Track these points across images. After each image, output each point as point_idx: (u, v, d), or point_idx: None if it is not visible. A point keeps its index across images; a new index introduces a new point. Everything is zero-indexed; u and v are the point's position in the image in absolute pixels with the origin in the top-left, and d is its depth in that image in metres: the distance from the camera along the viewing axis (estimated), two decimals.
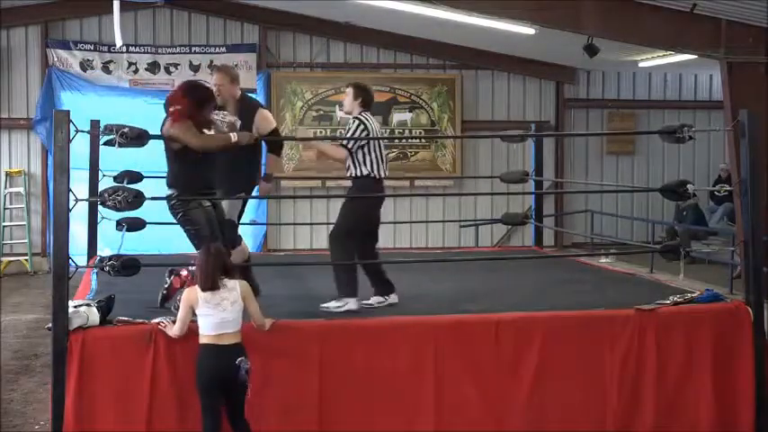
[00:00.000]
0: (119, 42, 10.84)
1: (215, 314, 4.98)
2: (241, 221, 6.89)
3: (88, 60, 14.14)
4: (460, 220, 14.79)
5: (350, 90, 6.48)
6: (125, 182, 6.80)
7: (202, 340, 5.00)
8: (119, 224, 7.34)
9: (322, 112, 14.93)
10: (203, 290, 5.00)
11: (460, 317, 5.78)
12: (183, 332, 5.11)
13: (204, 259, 5.07)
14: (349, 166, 6.37)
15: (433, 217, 14.89)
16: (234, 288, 5.06)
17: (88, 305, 5.23)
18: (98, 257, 7.61)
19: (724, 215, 15.02)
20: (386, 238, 14.95)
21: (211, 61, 14.40)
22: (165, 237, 12.26)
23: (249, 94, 6.67)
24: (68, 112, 5.15)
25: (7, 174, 14.14)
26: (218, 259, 5.09)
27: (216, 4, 14.51)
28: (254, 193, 6.98)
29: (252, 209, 14.28)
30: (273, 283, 7.09)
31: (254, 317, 5.18)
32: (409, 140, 15.18)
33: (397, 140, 15.09)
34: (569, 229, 15.36)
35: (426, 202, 15.07)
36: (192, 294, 5.05)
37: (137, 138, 5.38)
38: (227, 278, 5.08)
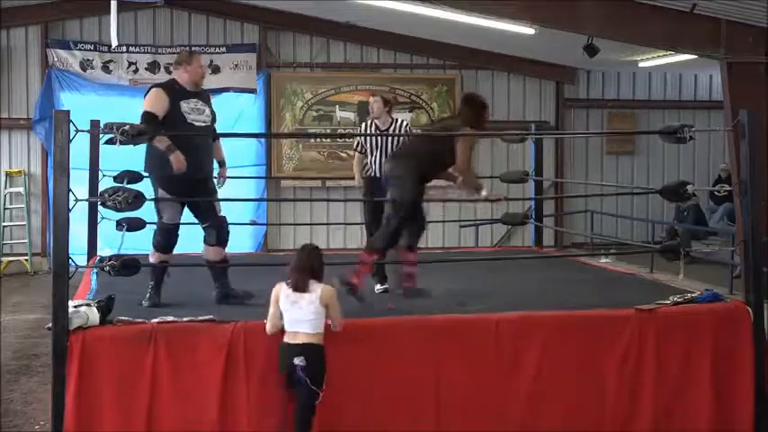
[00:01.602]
0: (114, 42, 10.84)
1: (291, 311, 5.13)
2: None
3: (88, 60, 14.15)
4: (460, 220, 14.79)
5: (379, 98, 7.26)
6: (125, 182, 6.80)
7: (285, 335, 5.16)
8: (119, 224, 7.34)
9: (322, 112, 14.93)
10: (289, 286, 5.16)
11: (460, 317, 5.78)
12: (274, 329, 5.21)
13: (296, 257, 5.26)
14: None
15: (433, 217, 14.86)
16: (315, 290, 5.16)
17: (88, 305, 5.23)
18: (98, 257, 7.63)
19: (724, 215, 15.02)
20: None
21: (211, 61, 14.41)
22: None
23: None
24: (68, 112, 5.15)
25: (7, 174, 14.15)
26: (308, 260, 5.25)
27: (216, 4, 14.51)
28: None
29: (252, 209, 14.29)
30: (273, 283, 7.09)
31: (333, 320, 5.24)
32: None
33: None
34: (569, 229, 15.36)
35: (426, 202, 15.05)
36: (278, 289, 5.22)
37: (137, 135, 5.37)
38: (314, 280, 5.18)
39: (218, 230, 6.45)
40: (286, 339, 5.14)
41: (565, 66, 15.60)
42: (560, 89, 15.91)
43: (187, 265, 6.94)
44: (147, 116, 6.05)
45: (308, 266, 5.22)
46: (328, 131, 14.78)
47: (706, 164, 16.16)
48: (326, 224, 14.57)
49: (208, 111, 6.40)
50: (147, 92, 6.26)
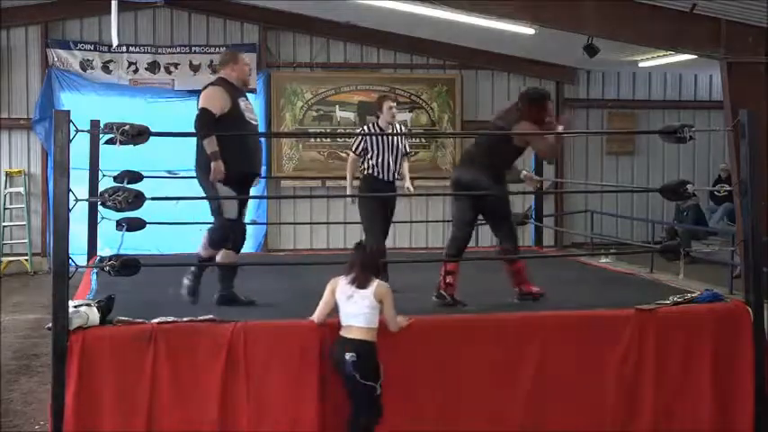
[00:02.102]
0: (115, 42, 10.84)
1: (346, 305, 5.21)
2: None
3: (88, 60, 14.15)
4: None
5: (395, 104, 7.53)
6: (125, 182, 6.80)
7: (341, 329, 5.23)
8: (119, 224, 7.34)
9: (322, 112, 14.93)
10: (348, 282, 5.23)
11: (461, 317, 5.78)
12: (321, 319, 5.30)
13: (354, 253, 5.36)
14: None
15: (433, 217, 14.88)
16: (371, 286, 5.21)
17: (88, 305, 5.23)
18: (98, 257, 7.63)
19: (724, 215, 15.02)
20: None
21: (211, 61, 14.41)
22: (164, 237, 12.38)
23: None
24: (68, 112, 5.14)
25: (7, 174, 14.15)
26: (367, 256, 5.34)
27: (216, 4, 14.52)
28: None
29: (252, 209, 14.30)
30: (273, 283, 7.10)
31: (387, 318, 5.27)
32: (409, 140, 15.15)
33: None
34: (569, 229, 15.36)
35: (426, 202, 15.06)
36: (334, 283, 5.29)
37: (138, 135, 5.37)
38: (371, 277, 5.24)
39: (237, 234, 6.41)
40: (341, 333, 5.22)
41: (565, 66, 15.60)
42: (560, 89, 15.91)
43: (187, 264, 6.93)
44: (205, 114, 6.08)
45: (366, 262, 5.30)
46: (328, 131, 14.78)
47: (706, 164, 16.17)
48: (326, 224, 14.57)
49: (252, 108, 6.47)
50: (203, 90, 6.28)
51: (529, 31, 11.69)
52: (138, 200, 5.37)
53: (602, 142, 16.14)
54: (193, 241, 13.10)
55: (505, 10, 9.50)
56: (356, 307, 5.18)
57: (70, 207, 5.05)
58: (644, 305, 5.86)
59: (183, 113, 14.14)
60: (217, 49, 14.50)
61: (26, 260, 13.86)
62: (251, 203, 14.10)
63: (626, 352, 5.67)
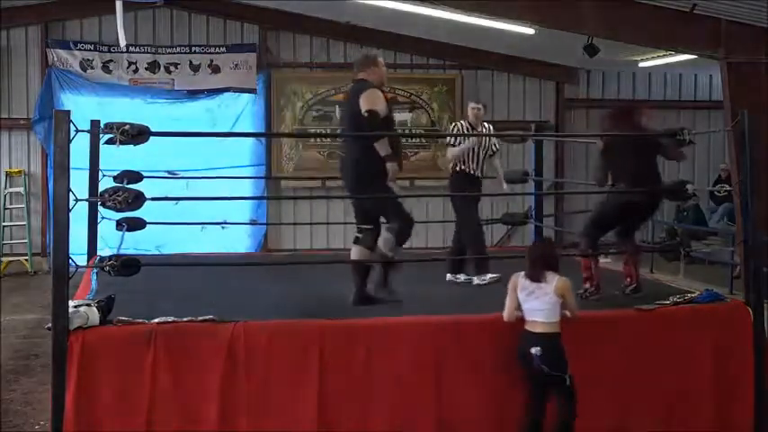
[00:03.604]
0: (122, 42, 10.83)
1: (528, 301, 5.33)
2: None
3: (88, 60, 14.15)
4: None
5: (481, 107, 7.69)
6: (125, 182, 6.80)
7: (525, 324, 5.34)
8: (119, 224, 7.34)
9: (322, 112, 14.92)
10: (525, 277, 5.36)
11: (460, 317, 5.78)
12: (511, 317, 5.42)
13: (532, 250, 5.58)
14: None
15: (433, 217, 14.87)
16: (551, 281, 5.32)
17: (88, 305, 5.23)
18: (98, 257, 7.63)
19: (724, 215, 15.02)
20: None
21: (211, 61, 14.43)
22: (165, 237, 12.39)
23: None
24: (68, 112, 5.14)
25: (7, 174, 14.14)
26: (543, 252, 5.50)
27: (216, 4, 14.51)
28: None
29: (252, 209, 14.31)
30: (273, 283, 7.10)
31: (570, 310, 5.41)
32: (409, 140, 15.18)
33: None
34: (569, 229, 15.35)
35: (426, 202, 15.06)
36: (515, 280, 5.42)
37: (138, 135, 5.37)
38: (550, 271, 5.34)
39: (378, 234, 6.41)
40: (526, 328, 5.33)
41: (565, 66, 15.59)
42: (560, 89, 15.91)
43: (187, 264, 6.94)
44: (376, 116, 6.09)
45: (544, 258, 5.43)
46: (328, 131, 14.78)
47: (706, 164, 16.14)
48: (326, 224, 14.57)
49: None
50: (363, 90, 6.28)
51: (529, 31, 11.69)
52: (138, 200, 5.37)
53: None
54: (193, 241, 13.16)
55: (506, 10, 9.50)
56: (538, 302, 5.31)
57: (70, 207, 5.05)
58: (644, 305, 5.87)
59: (183, 113, 14.22)
60: (217, 48, 14.53)
61: (26, 260, 13.85)
62: (250, 203, 14.16)
63: (626, 352, 5.67)
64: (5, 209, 13.99)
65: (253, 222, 14.09)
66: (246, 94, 14.57)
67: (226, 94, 14.45)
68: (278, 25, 14.79)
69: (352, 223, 14.94)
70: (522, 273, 5.43)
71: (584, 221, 6.82)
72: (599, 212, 6.67)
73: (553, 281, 5.34)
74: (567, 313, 5.40)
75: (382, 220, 6.35)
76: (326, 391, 5.34)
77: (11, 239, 14.03)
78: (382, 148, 6.09)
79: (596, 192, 8.00)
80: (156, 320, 5.28)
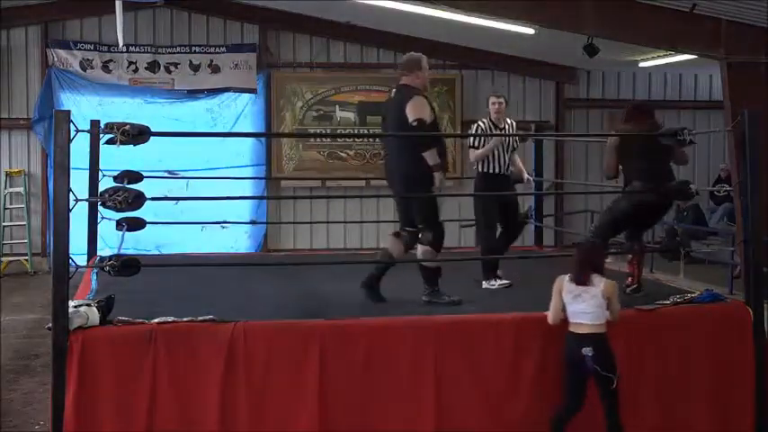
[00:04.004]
0: (121, 42, 10.85)
1: (573, 304, 5.35)
2: None
3: (88, 60, 14.15)
4: (460, 220, 14.78)
5: (503, 99, 7.61)
6: (125, 182, 6.80)
7: (569, 327, 5.38)
8: (119, 224, 7.34)
9: (322, 112, 14.92)
10: (571, 280, 5.37)
11: (460, 317, 5.78)
12: (556, 320, 5.43)
13: (578, 252, 5.59)
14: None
15: None
16: (598, 284, 5.35)
17: (88, 305, 5.23)
18: (98, 257, 7.63)
19: (724, 215, 15.01)
20: (386, 238, 14.92)
21: (211, 61, 14.44)
22: (165, 237, 12.40)
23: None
24: (68, 112, 5.13)
25: (7, 174, 14.15)
26: (590, 255, 5.52)
27: (216, 4, 14.52)
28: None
29: (252, 209, 14.31)
30: (273, 283, 7.10)
31: (612, 312, 5.41)
32: None
33: None
34: (569, 229, 15.35)
35: None
36: (560, 283, 5.44)
37: (138, 135, 5.36)
38: (596, 274, 5.37)
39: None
40: (571, 330, 5.36)
41: (565, 66, 15.59)
42: (560, 89, 15.91)
43: (187, 264, 6.94)
44: (423, 124, 6.17)
45: (590, 261, 5.46)
46: (328, 131, 14.78)
47: (706, 164, 16.14)
48: (326, 223, 14.57)
49: None
50: (408, 98, 6.27)
51: (529, 31, 11.69)
52: (138, 200, 5.37)
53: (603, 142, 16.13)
54: (193, 241, 13.16)
55: (506, 10, 9.50)
56: (585, 305, 5.32)
57: (70, 207, 5.05)
58: (644, 305, 5.86)
59: (183, 113, 14.23)
60: (217, 48, 14.52)
61: (26, 260, 13.86)
62: (250, 203, 14.17)
63: (626, 352, 5.66)
64: (5, 209, 13.99)
65: (253, 222, 14.10)
66: (246, 94, 14.57)
67: (226, 94, 14.46)
68: (278, 25, 14.79)
69: (351, 222, 14.93)
70: (567, 276, 5.45)
71: (597, 222, 6.79)
72: (613, 214, 6.63)
73: (600, 283, 5.37)
74: (609, 315, 5.40)
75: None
76: (326, 391, 5.34)
77: (11, 239, 14.03)
78: (431, 157, 6.19)
79: (596, 192, 8.02)
80: (156, 320, 5.27)
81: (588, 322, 5.31)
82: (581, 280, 5.37)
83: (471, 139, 7.55)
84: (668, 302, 5.96)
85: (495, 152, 7.41)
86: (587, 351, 5.24)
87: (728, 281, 11.21)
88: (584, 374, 5.31)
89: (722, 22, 8.95)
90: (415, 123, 6.13)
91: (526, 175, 8.07)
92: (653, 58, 13.91)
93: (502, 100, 7.56)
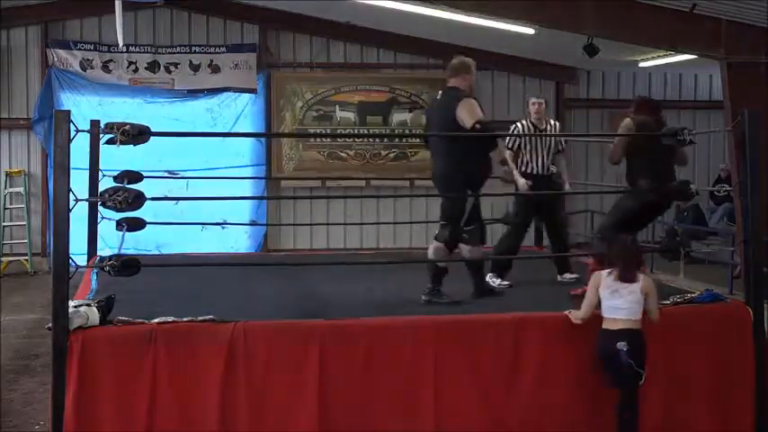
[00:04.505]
0: (120, 42, 10.86)
1: (611, 299, 5.39)
2: None
3: (88, 60, 14.15)
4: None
5: (543, 101, 7.73)
6: (125, 182, 6.80)
7: (603, 322, 5.41)
8: (119, 224, 7.34)
9: (322, 112, 14.93)
10: (615, 278, 5.39)
11: (460, 317, 5.78)
12: (588, 315, 5.46)
13: (617, 249, 5.55)
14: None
15: (432, 217, 14.82)
16: (637, 281, 5.40)
17: (88, 305, 5.22)
18: (98, 257, 7.63)
19: (724, 215, 15.01)
20: (386, 238, 15.00)
21: (211, 61, 14.43)
22: (165, 236, 12.40)
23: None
24: (68, 112, 5.13)
25: (7, 174, 14.15)
26: (635, 252, 5.60)
27: (216, 4, 14.52)
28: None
29: (251, 209, 14.31)
30: (273, 283, 7.10)
31: (651, 312, 5.46)
32: (409, 140, 15.18)
33: (397, 140, 15.11)
34: (569, 229, 15.33)
35: (426, 203, 15.03)
36: (598, 278, 5.47)
37: (138, 135, 5.36)
38: (637, 271, 5.44)
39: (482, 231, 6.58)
40: (605, 325, 5.38)
41: (565, 66, 15.59)
42: (560, 89, 15.91)
43: (187, 264, 6.94)
44: (482, 124, 6.22)
45: (635, 258, 5.51)
46: (328, 131, 14.79)
47: (706, 164, 16.14)
48: (326, 224, 14.57)
49: None
50: (457, 101, 6.36)
51: (529, 31, 11.69)
52: (138, 200, 5.37)
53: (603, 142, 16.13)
54: (193, 241, 13.16)
55: (506, 10, 9.50)
56: (622, 301, 5.36)
57: (70, 207, 5.05)
58: None
59: (183, 113, 14.23)
60: (217, 48, 14.52)
61: (26, 260, 13.85)
62: (250, 203, 14.17)
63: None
64: (5, 209, 13.99)
65: (253, 222, 14.10)
66: (246, 94, 14.57)
67: (226, 94, 14.46)
68: (278, 25, 14.79)
69: (351, 224, 14.92)
70: (606, 272, 5.47)
71: (603, 222, 6.76)
72: (619, 213, 6.63)
73: (639, 280, 5.42)
74: (650, 315, 5.45)
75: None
76: (326, 391, 5.33)
77: (11, 239, 14.03)
78: (498, 154, 6.42)
79: (596, 192, 8.01)
80: (156, 320, 5.27)
81: (623, 317, 5.35)
82: (628, 277, 5.40)
83: (507, 139, 7.63)
84: (668, 302, 5.96)
85: (534, 153, 7.49)
86: (622, 345, 5.27)
87: (728, 281, 11.21)
88: (618, 368, 5.33)
89: (722, 22, 8.96)
90: (478, 126, 6.19)
91: (567, 185, 8.00)
92: (653, 58, 13.91)
93: (542, 101, 7.66)
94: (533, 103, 7.64)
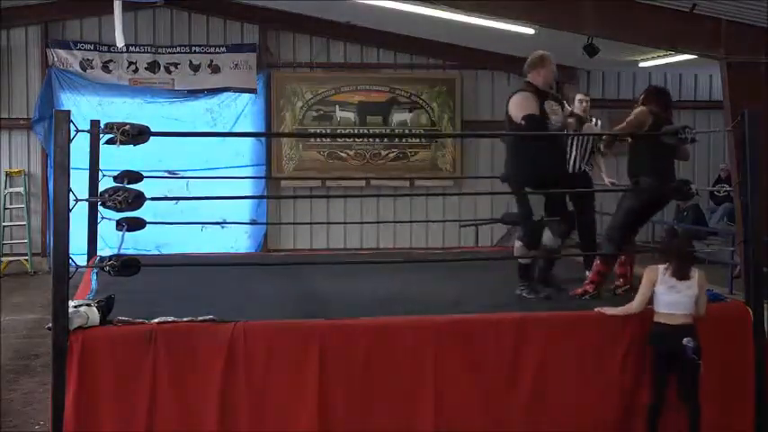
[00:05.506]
0: (120, 42, 10.86)
1: (668, 295, 5.47)
2: None
3: (88, 60, 14.15)
4: (460, 220, 14.80)
5: (589, 98, 7.98)
6: (125, 182, 6.80)
7: (656, 317, 5.49)
8: (119, 224, 7.34)
9: (322, 112, 14.93)
10: (672, 274, 5.48)
11: (460, 317, 5.78)
12: (641, 308, 5.54)
13: (672, 244, 5.69)
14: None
15: (432, 217, 14.88)
16: (693, 276, 5.52)
17: (88, 305, 5.23)
18: (98, 257, 7.63)
19: (724, 215, 15.00)
20: (386, 238, 15.01)
21: (211, 61, 14.43)
22: (165, 237, 12.40)
23: None
24: (68, 112, 5.13)
25: (7, 174, 14.15)
26: (686, 247, 5.75)
27: (216, 4, 14.52)
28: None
29: (251, 209, 14.32)
30: (273, 283, 7.09)
31: (700, 307, 5.55)
32: (409, 140, 15.18)
33: (397, 140, 15.11)
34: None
35: (426, 202, 15.07)
36: (654, 274, 5.54)
37: (138, 135, 5.36)
38: (691, 266, 5.55)
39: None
40: (662, 320, 5.47)
41: (565, 66, 15.56)
42: (560, 89, 15.87)
43: (187, 264, 6.94)
44: (534, 119, 6.20)
45: (688, 254, 5.62)
46: (328, 131, 14.79)
47: (706, 164, 16.14)
48: (326, 224, 14.57)
49: (560, 110, 6.56)
50: (511, 97, 6.43)
51: (529, 31, 11.69)
52: (138, 200, 5.37)
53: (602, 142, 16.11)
54: (193, 241, 13.14)
55: (506, 10, 9.50)
56: (679, 296, 5.46)
57: (70, 207, 5.05)
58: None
59: (183, 113, 14.24)
60: (217, 48, 14.52)
61: (26, 260, 13.85)
62: (250, 203, 14.17)
63: (626, 352, 5.66)
64: (5, 209, 13.99)
65: (253, 222, 14.10)
66: (246, 94, 14.57)
67: (226, 94, 14.46)
68: (278, 25, 14.79)
69: (351, 223, 14.91)
70: (662, 267, 5.54)
71: (611, 223, 6.71)
72: (624, 213, 6.61)
73: (695, 275, 5.52)
74: (698, 309, 5.52)
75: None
76: (326, 391, 5.34)
77: (11, 239, 14.03)
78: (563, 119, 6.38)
79: (596, 191, 8.02)
80: (156, 320, 5.28)
81: (681, 312, 5.43)
82: (685, 274, 5.48)
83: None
84: None
85: (569, 150, 7.49)
86: (688, 341, 5.32)
87: (728, 281, 11.21)
88: (682, 363, 5.37)
89: (722, 22, 8.95)
90: (523, 122, 6.17)
91: (607, 182, 8.04)
92: (653, 58, 13.91)
93: (589, 98, 7.77)
94: (580, 101, 7.75)
